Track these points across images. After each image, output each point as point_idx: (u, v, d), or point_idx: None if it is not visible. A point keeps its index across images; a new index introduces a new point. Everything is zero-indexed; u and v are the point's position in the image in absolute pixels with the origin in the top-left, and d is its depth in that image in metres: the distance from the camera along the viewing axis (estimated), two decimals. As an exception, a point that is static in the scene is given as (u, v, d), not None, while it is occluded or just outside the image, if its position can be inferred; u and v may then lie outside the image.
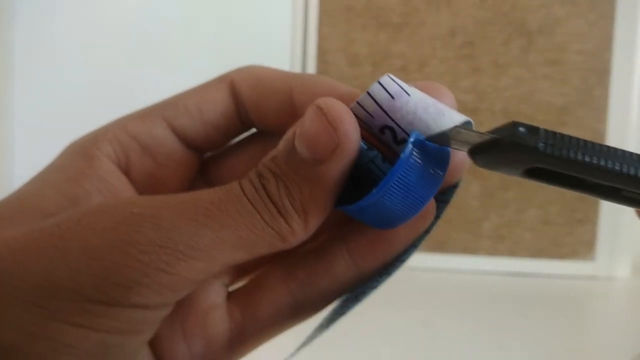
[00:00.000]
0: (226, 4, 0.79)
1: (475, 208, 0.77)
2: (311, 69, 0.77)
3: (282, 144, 0.18)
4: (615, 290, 0.76)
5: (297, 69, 0.77)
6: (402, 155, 0.17)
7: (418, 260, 0.84)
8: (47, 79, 0.78)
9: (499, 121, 0.77)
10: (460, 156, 0.19)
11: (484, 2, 0.76)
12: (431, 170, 0.18)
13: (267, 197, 0.17)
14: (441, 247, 0.78)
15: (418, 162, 0.17)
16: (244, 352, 0.21)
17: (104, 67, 0.76)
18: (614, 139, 0.75)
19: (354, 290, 0.21)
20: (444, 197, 0.20)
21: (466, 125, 0.18)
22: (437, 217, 0.20)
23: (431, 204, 0.19)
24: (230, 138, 0.22)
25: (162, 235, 0.17)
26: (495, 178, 0.77)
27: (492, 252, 0.78)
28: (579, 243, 0.77)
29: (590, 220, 0.77)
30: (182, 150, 0.22)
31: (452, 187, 0.20)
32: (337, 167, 0.17)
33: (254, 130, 0.23)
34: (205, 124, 0.21)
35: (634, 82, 0.75)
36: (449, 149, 0.18)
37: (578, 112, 0.76)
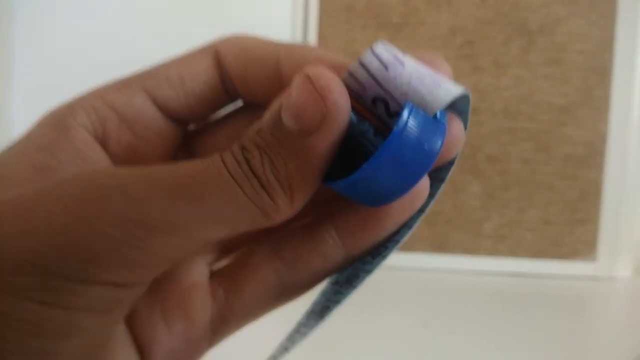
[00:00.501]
0: (226, 3, 0.79)
1: (476, 208, 0.77)
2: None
3: (267, 116, 0.17)
4: (616, 290, 0.76)
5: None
6: (395, 129, 0.16)
7: (418, 260, 0.84)
8: (46, 75, 0.78)
9: (499, 121, 0.77)
10: (457, 130, 0.18)
11: (485, 1, 0.76)
12: (425, 145, 0.16)
13: (250, 171, 0.16)
14: (441, 247, 0.78)
15: (412, 136, 0.16)
16: (228, 333, 0.20)
17: (104, 64, 0.76)
18: (614, 139, 0.75)
19: (346, 273, 0.20)
20: (439, 174, 0.19)
21: (463, 98, 0.17)
22: (432, 195, 0.19)
23: (425, 181, 0.18)
24: (215, 110, 0.21)
25: (134, 207, 0.16)
26: (496, 178, 0.77)
27: (493, 252, 0.78)
28: (580, 243, 0.77)
29: (591, 221, 0.77)
30: (164, 122, 0.21)
31: (449, 164, 0.19)
32: (325, 140, 0.16)
33: (240, 102, 0.22)
34: (187, 95, 0.20)
35: (634, 82, 0.75)
36: (445, 122, 0.17)
37: (578, 112, 0.76)
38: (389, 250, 0.19)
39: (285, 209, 0.17)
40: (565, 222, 0.77)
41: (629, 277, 0.77)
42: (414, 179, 0.17)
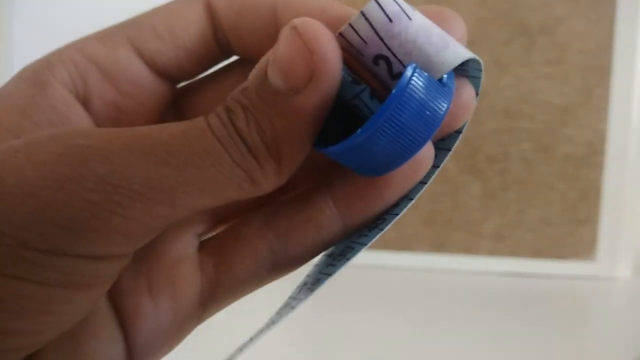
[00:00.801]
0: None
1: (476, 208, 0.77)
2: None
3: (253, 73, 0.16)
4: (616, 290, 0.76)
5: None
6: (393, 91, 0.15)
7: (418, 260, 0.84)
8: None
9: (500, 121, 0.77)
10: (467, 95, 0.17)
11: (485, 1, 0.76)
12: (428, 110, 0.15)
13: (235, 133, 0.15)
14: (441, 248, 0.78)
15: (413, 100, 0.15)
16: (217, 308, 0.19)
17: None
18: (614, 139, 0.75)
19: (341, 245, 0.19)
20: (445, 144, 0.18)
21: (474, 63, 0.16)
22: (436, 166, 0.18)
23: (428, 148, 0.17)
24: (207, 66, 0.20)
25: (114, 171, 0.14)
26: (496, 178, 0.77)
27: (493, 252, 0.78)
28: (580, 243, 0.77)
29: (591, 221, 0.77)
30: (150, 78, 0.19)
31: (456, 133, 0.18)
32: (314, 98, 0.15)
33: (235, 57, 0.20)
34: (176, 48, 0.19)
35: (634, 81, 0.75)
36: (453, 86, 0.16)
37: (579, 112, 0.76)
38: (386, 223, 0.18)
39: (273, 174, 0.16)
40: (565, 222, 0.77)
41: (629, 277, 0.77)
42: (415, 147, 0.15)
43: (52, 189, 0.14)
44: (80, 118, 0.18)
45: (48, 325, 0.15)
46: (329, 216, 0.18)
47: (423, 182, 0.18)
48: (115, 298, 0.18)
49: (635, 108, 0.75)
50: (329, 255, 0.19)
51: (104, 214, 0.14)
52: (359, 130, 0.15)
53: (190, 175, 0.15)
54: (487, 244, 0.78)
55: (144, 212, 0.15)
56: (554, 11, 0.75)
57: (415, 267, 0.76)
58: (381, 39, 0.15)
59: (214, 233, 0.20)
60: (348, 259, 0.18)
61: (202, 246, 0.19)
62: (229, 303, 0.19)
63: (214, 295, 0.19)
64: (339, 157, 0.16)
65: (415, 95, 0.15)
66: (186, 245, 0.19)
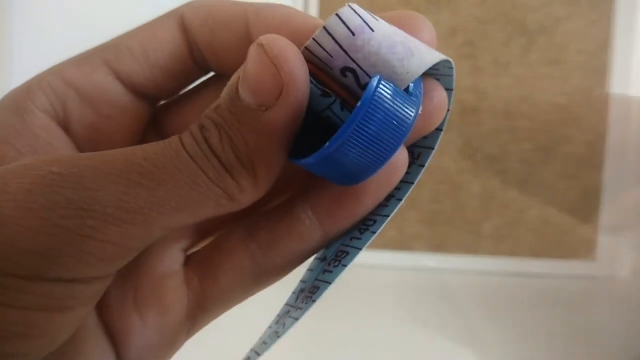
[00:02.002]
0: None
1: (476, 208, 0.77)
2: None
3: (225, 91, 0.16)
4: (616, 290, 0.76)
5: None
6: (358, 104, 0.15)
7: (418, 260, 0.84)
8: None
9: (499, 121, 0.77)
10: (439, 98, 0.17)
11: (485, 1, 0.76)
12: (395, 120, 0.15)
13: (209, 150, 0.15)
14: (441, 247, 0.78)
15: (379, 111, 0.15)
16: (205, 322, 0.19)
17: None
18: (614, 139, 0.75)
19: (333, 249, 0.19)
20: (428, 142, 0.18)
21: (444, 63, 0.16)
22: (421, 165, 0.18)
23: (402, 154, 0.17)
24: (185, 83, 0.20)
25: (86, 196, 0.14)
26: (496, 178, 0.77)
27: (493, 252, 0.78)
28: (580, 243, 0.77)
29: (591, 221, 0.77)
30: (129, 99, 0.19)
31: (438, 131, 0.18)
32: (285, 113, 0.15)
33: (212, 73, 0.20)
34: (153, 68, 0.19)
35: (633, 81, 0.75)
36: (420, 93, 0.16)
37: (579, 112, 0.76)
38: (377, 226, 0.18)
39: (250, 189, 0.16)
40: (565, 222, 0.77)
41: (629, 277, 0.77)
42: (386, 155, 0.16)
43: (27, 219, 0.14)
44: (61, 143, 0.18)
45: (33, 348, 0.15)
46: (309, 226, 0.18)
47: (410, 182, 0.18)
48: (105, 316, 0.18)
49: (634, 108, 0.75)
50: (322, 260, 0.19)
51: (79, 239, 0.14)
52: (327, 143, 0.15)
53: (164, 196, 0.15)
54: (487, 243, 0.78)
55: (119, 235, 0.15)
56: (554, 12, 0.76)
57: (415, 267, 0.76)
58: (346, 52, 0.15)
59: (199, 247, 0.20)
60: (345, 265, 0.18)
61: (188, 261, 0.20)
62: (217, 316, 0.19)
63: (202, 309, 0.19)
64: (313, 169, 0.17)
65: (381, 106, 0.15)
66: (172, 261, 0.19)
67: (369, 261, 0.71)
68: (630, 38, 0.75)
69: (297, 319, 0.19)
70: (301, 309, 0.19)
